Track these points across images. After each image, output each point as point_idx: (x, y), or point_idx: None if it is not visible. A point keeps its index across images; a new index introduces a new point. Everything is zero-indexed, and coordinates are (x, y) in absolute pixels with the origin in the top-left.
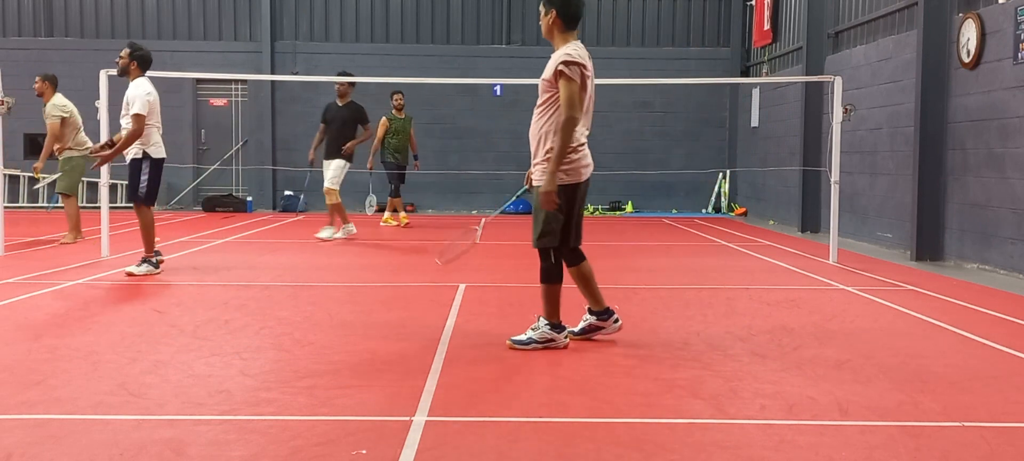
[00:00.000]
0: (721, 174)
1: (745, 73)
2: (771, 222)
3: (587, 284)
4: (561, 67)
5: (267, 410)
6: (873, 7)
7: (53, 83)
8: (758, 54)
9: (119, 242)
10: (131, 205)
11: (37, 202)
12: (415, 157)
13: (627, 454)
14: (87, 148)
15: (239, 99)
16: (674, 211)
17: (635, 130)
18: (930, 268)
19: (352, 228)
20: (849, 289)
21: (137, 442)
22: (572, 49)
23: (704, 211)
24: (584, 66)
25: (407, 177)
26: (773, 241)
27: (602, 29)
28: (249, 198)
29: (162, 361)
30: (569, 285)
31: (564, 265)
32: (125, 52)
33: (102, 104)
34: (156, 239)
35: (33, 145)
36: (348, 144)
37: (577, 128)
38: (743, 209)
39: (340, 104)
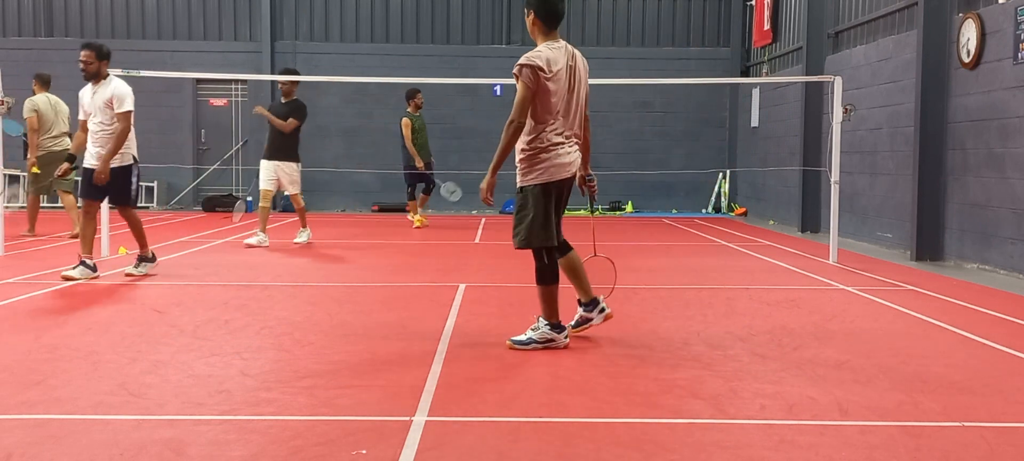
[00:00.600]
0: (721, 174)
1: (745, 73)
2: (771, 222)
3: (574, 274)
4: (515, 70)
5: (267, 410)
6: (873, 7)
7: (40, 82)
8: (758, 54)
9: (118, 243)
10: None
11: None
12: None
13: (627, 454)
14: (58, 150)
15: (239, 99)
16: (674, 211)
17: (635, 130)
18: (930, 268)
19: (266, 240)
20: (849, 289)
21: (137, 442)
22: (539, 50)
23: (704, 211)
24: (540, 68)
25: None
26: (773, 241)
27: (602, 29)
28: (249, 198)
29: (162, 361)
30: (566, 285)
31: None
32: (90, 53)
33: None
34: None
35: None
36: (258, 108)
37: (548, 127)
38: (743, 209)
39: (284, 101)
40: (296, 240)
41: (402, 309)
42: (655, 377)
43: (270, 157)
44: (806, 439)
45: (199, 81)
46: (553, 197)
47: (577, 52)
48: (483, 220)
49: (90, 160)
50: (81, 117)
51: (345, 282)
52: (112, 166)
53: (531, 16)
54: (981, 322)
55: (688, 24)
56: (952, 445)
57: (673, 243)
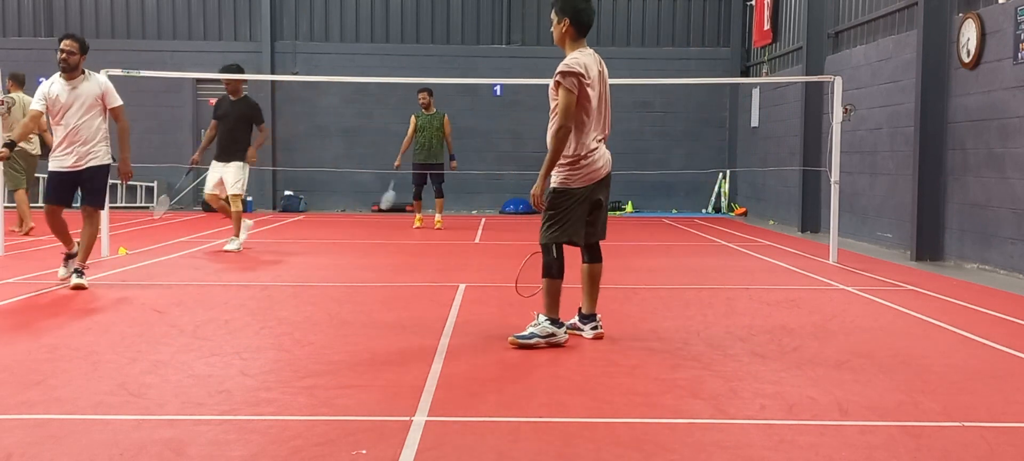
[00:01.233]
0: (721, 174)
1: (745, 73)
2: (771, 222)
3: (591, 283)
4: (557, 78)
5: (267, 410)
6: (873, 7)
7: (16, 81)
8: (758, 54)
9: (117, 242)
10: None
11: (37, 202)
12: (451, 157)
13: (627, 454)
14: (29, 149)
15: None
16: (674, 211)
17: (635, 130)
18: (930, 268)
19: (238, 244)
20: (849, 289)
21: (137, 442)
22: (574, 57)
23: (704, 211)
24: (581, 75)
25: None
26: (773, 241)
27: (602, 29)
28: (249, 198)
29: (162, 361)
30: (569, 284)
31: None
32: (74, 44)
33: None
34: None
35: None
36: (250, 151)
37: (588, 134)
38: (743, 209)
39: (233, 99)
40: (227, 247)
41: (402, 309)
42: (655, 377)
43: (224, 158)
44: (806, 439)
45: (199, 81)
46: (590, 199)
47: (599, 57)
48: (483, 220)
49: (63, 162)
50: (38, 107)
51: (345, 282)
52: (95, 164)
53: (565, 24)
54: (981, 322)
55: (688, 24)
56: (952, 445)
57: (673, 243)
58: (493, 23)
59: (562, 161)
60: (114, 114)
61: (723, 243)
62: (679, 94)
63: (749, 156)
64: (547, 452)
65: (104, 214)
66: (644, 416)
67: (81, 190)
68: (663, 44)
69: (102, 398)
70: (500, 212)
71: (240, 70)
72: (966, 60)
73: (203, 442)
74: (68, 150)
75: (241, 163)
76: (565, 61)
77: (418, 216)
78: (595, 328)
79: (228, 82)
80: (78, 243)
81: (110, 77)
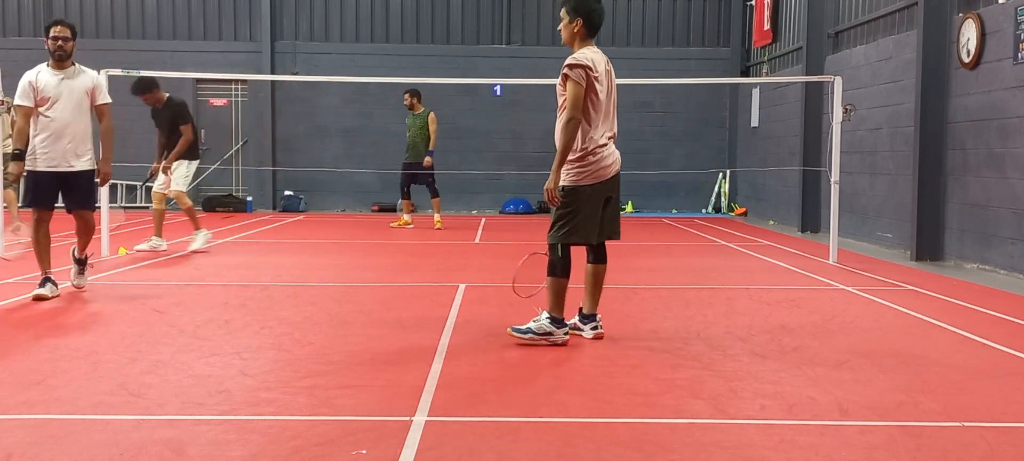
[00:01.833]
0: (721, 174)
1: (745, 73)
2: (771, 222)
3: (594, 284)
4: (565, 70)
5: (267, 410)
6: (873, 7)
7: None
8: (758, 54)
9: (117, 242)
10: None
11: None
12: (429, 153)
13: (627, 454)
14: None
15: (239, 99)
16: (674, 211)
17: (635, 130)
18: (930, 268)
19: (203, 240)
20: (849, 289)
21: (137, 442)
22: (582, 52)
23: (704, 211)
24: (589, 67)
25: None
26: (773, 241)
27: (602, 29)
28: (249, 198)
29: (162, 361)
30: (571, 284)
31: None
32: (66, 30)
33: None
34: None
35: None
36: (170, 156)
37: (596, 130)
38: (743, 209)
39: (160, 109)
40: (192, 247)
41: (402, 309)
42: (655, 377)
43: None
44: (806, 439)
45: (199, 81)
46: (601, 197)
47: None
48: (483, 220)
49: (49, 162)
50: (24, 102)
51: (345, 282)
52: (82, 168)
53: (578, 24)
54: (981, 322)
55: (688, 24)
56: (952, 445)
57: (673, 243)
58: (493, 23)
59: (571, 158)
60: (100, 111)
61: (723, 243)
62: (679, 94)
63: (749, 156)
64: (547, 452)
65: (103, 214)
66: (644, 416)
67: (65, 196)
68: (663, 44)
69: (102, 398)
70: (500, 212)
71: (146, 87)
72: (966, 60)
73: (203, 442)
74: (54, 146)
75: (187, 162)
76: (572, 55)
77: (403, 217)
78: (595, 328)
79: (146, 98)
80: (73, 248)
81: (110, 77)
